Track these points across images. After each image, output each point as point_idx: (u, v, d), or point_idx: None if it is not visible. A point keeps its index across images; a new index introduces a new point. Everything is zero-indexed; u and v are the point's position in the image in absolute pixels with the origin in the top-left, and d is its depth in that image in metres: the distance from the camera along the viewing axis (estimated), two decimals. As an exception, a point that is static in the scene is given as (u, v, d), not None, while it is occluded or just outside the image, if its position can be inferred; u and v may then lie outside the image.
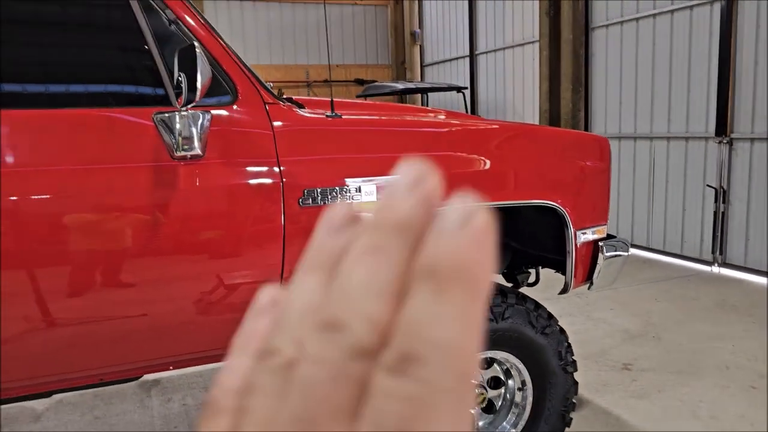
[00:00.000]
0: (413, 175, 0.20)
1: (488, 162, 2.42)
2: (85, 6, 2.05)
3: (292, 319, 0.19)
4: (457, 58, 10.77)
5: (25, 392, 2.00)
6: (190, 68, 1.75)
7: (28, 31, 1.92)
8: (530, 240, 2.88)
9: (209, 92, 2.02)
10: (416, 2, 12.09)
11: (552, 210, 2.55)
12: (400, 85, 9.67)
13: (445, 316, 0.18)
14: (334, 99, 2.81)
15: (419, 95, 11.66)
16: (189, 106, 1.86)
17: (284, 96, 2.36)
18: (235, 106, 2.05)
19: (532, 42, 8.56)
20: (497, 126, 2.63)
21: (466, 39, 10.31)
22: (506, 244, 2.93)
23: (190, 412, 3.43)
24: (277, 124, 2.08)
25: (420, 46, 12.31)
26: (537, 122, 8.17)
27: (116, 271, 1.90)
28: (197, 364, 2.15)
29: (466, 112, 10.14)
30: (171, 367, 2.13)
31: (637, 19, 6.76)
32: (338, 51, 12.78)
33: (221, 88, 2.03)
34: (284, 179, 2.04)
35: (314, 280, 0.20)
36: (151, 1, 1.96)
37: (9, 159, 1.77)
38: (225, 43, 2.11)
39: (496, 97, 9.68)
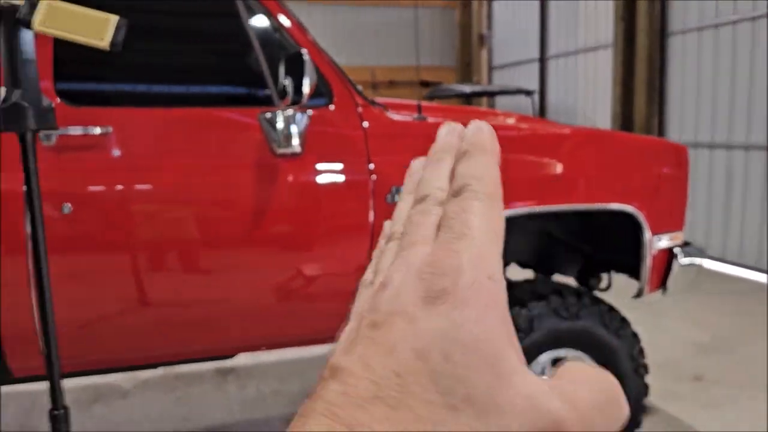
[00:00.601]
0: (450, 125, 0.34)
1: (562, 166, 2.49)
2: (201, 18, 2.25)
3: (417, 190, 0.32)
4: (526, 62, 10.73)
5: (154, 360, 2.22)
6: (297, 73, 1.90)
7: (156, 39, 2.12)
8: (604, 245, 2.92)
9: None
10: (486, 3, 12.09)
11: (628, 215, 2.60)
12: (467, 88, 9.72)
13: (474, 164, 0.30)
14: (407, 101, 2.93)
15: (484, 98, 11.69)
16: (291, 107, 2.02)
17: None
18: (330, 108, 2.19)
19: (605, 46, 8.47)
20: (571, 130, 2.70)
21: (536, 41, 10.26)
22: (579, 248, 2.98)
23: (266, 398, 3.62)
24: (368, 125, 2.21)
25: (488, 48, 12.30)
26: (609, 128, 8.08)
27: (227, 257, 2.08)
28: (294, 346, 2.32)
29: (534, 116, 10.10)
30: (264, 348, 2.31)
31: (716, 26, 6.61)
32: (404, 52, 12.89)
33: (318, 91, 2.18)
34: (374, 177, 2.17)
35: (423, 169, 0.33)
36: (259, 11, 2.13)
37: (138, 152, 1.98)
38: (322, 49, 2.26)
39: (566, 101, 9.60)
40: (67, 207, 1.94)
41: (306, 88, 1.89)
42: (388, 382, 0.24)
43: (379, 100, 2.71)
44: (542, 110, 10.20)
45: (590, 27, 8.87)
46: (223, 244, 2.07)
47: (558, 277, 3.21)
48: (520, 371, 0.25)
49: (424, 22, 12.84)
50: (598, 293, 3.25)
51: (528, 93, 9.53)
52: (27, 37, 1.20)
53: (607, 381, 0.28)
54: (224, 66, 2.25)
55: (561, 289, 2.48)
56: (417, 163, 0.34)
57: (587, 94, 9.08)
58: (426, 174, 0.31)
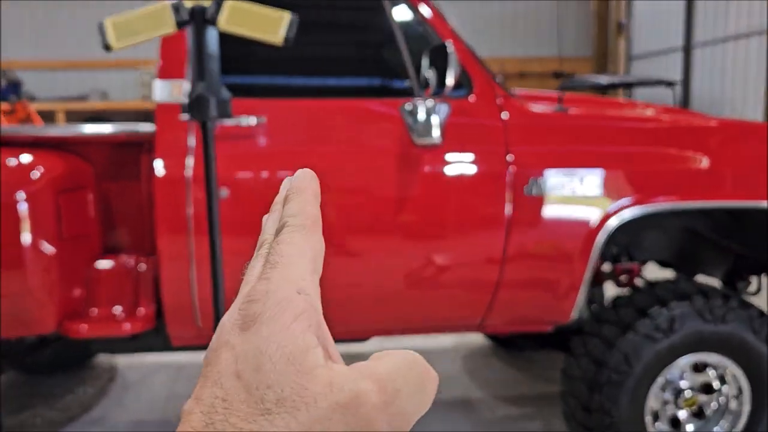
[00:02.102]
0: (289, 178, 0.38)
1: (707, 159, 2.37)
2: (347, 11, 2.36)
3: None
4: (668, 51, 10.11)
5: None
6: (440, 64, 1.96)
7: (305, 33, 2.26)
8: (757, 245, 2.74)
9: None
10: (625, -9, 11.51)
11: (786, 215, 2.42)
12: (603, 79, 9.30)
13: (292, 205, 0.35)
14: (547, 92, 2.89)
15: (622, 90, 11.14)
16: (432, 98, 2.08)
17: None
18: (470, 99, 2.23)
19: (760, 33, 7.80)
20: (718, 122, 2.54)
21: (680, 29, 9.63)
22: (728, 247, 2.81)
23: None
24: (507, 116, 2.23)
25: (626, 37, 11.71)
26: (760, 122, 7.45)
27: (366, 243, 2.19)
28: (426, 333, 2.41)
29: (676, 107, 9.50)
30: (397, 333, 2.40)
31: None
32: (534, 42, 12.57)
33: (458, 82, 2.22)
34: (512, 168, 2.19)
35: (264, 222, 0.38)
36: (402, 3, 2.21)
37: (291, 139, 2.13)
38: (462, 40, 2.29)
39: (712, 93, 8.95)
40: (225, 191, 2.12)
41: (450, 79, 1.94)
42: (216, 408, 0.27)
43: (519, 91, 2.71)
44: (686, 102, 9.57)
45: (742, 11, 8.20)
46: (363, 230, 2.17)
47: (702, 279, 3.05)
48: (323, 364, 0.28)
49: (555, 9, 12.45)
50: (746, 297, 3.06)
51: (669, 84, 8.95)
52: (212, 34, 1.35)
53: (408, 354, 0.31)
54: (369, 58, 2.35)
55: (707, 290, 2.36)
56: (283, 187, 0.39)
57: (736, 85, 8.41)
58: (264, 225, 0.37)
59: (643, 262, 3.25)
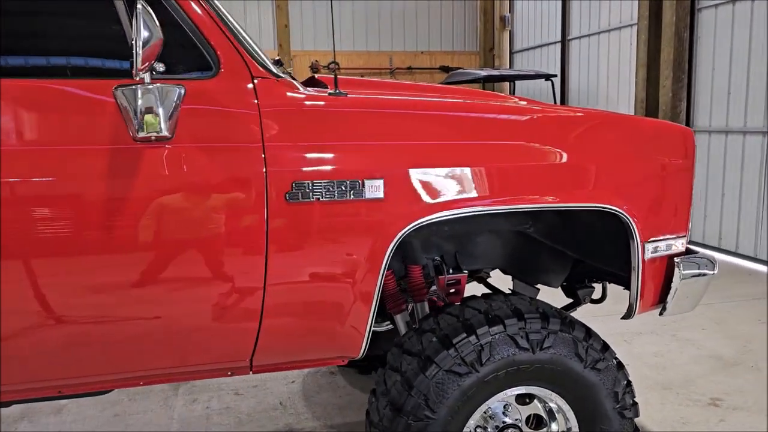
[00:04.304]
0: None
1: (535, 155, 1.97)
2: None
3: None
4: (548, 44, 10.07)
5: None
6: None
7: None
8: (594, 250, 2.39)
9: (181, 63, 1.72)
10: (507, -16, 11.45)
11: (614, 215, 2.07)
12: (483, 72, 9.13)
13: None
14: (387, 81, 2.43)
15: (507, 84, 11.07)
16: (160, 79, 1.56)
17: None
18: (215, 81, 1.72)
19: (630, 25, 7.79)
20: (541, 110, 2.13)
21: (558, 23, 9.59)
22: (562, 252, 2.45)
23: (212, 417, 3.19)
24: (265, 103, 1.74)
25: (509, 31, 11.67)
26: (632, 113, 7.41)
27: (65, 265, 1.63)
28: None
29: (554, 101, 9.46)
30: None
31: (752, -3, 5.91)
32: (424, 37, 12.40)
33: (197, 59, 1.71)
34: (271, 168, 1.70)
35: None
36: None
37: None
38: (212, 7, 1.77)
39: (589, 85, 8.93)
40: None
41: (140, 55, 1.42)
42: None
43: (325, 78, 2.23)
44: (563, 95, 9.54)
45: (614, 4, 8.18)
46: (65, 250, 1.61)
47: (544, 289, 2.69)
48: None
49: (446, 6, 12.34)
50: (590, 306, 2.73)
51: (548, 77, 8.91)
52: None
53: None
54: (69, 24, 1.79)
55: (523, 310, 1.96)
56: None
57: (610, 78, 8.40)
58: None
59: (476, 272, 2.88)
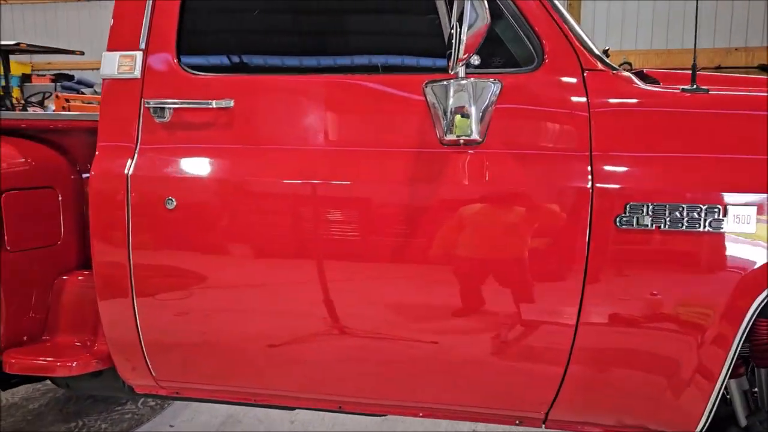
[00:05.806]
0: None
1: None
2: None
3: None
4: None
5: None
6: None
7: None
8: None
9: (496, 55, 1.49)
10: None
11: None
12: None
13: None
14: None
15: None
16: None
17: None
18: (537, 75, 1.45)
19: None
20: None
21: None
22: None
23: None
24: (599, 101, 1.41)
25: None
26: None
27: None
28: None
29: None
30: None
31: None
32: (739, 30, 10.79)
33: (518, 49, 1.46)
34: (599, 186, 1.37)
35: None
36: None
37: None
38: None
39: None
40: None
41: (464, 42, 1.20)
42: None
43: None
44: None
45: None
46: (355, 257, 1.50)
47: None
48: None
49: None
50: None
51: None
52: None
53: None
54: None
55: None
56: None
57: None
58: None
59: None
